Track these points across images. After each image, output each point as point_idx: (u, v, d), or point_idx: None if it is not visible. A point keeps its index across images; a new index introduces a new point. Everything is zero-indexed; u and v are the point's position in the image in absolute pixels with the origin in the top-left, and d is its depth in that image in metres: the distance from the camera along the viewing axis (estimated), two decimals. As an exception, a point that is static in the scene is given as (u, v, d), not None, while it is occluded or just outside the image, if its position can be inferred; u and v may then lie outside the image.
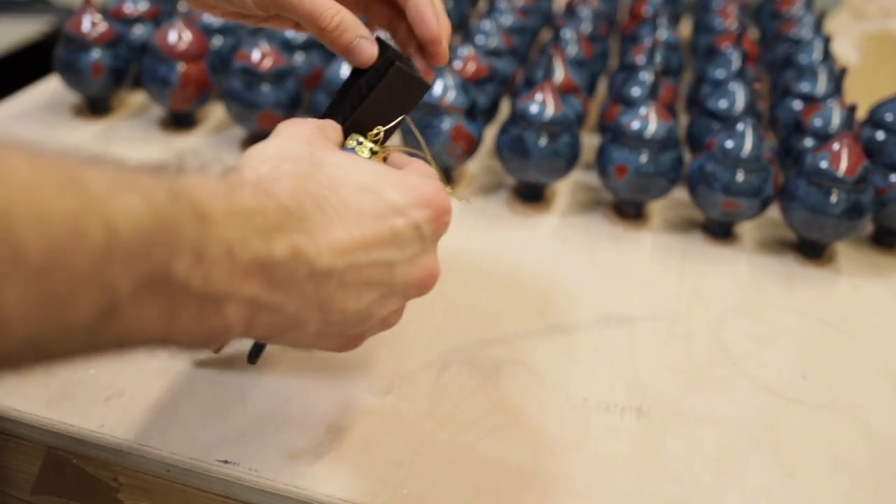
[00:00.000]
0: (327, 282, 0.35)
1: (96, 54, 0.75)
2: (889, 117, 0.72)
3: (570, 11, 0.94)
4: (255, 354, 0.48)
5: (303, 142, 0.38)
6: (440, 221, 0.39)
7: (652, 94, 0.70)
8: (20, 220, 0.23)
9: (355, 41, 0.44)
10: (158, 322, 0.29)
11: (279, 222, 0.33)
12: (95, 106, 0.80)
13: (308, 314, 0.35)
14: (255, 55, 0.72)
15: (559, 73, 0.74)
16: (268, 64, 0.72)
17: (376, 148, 0.43)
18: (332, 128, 0.42)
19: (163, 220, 0.28)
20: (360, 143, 0.43)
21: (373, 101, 0.44)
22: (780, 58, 0.91)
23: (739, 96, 0.74)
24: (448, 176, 0.73)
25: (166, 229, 0.28)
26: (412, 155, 0.44)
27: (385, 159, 0.43)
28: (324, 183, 0.36)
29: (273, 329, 0.35)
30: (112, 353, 0.29)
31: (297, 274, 0.34)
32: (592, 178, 0.76)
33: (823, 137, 0.70)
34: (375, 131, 0.43)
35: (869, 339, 0.59)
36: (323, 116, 0.45)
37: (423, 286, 0.39)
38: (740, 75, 0.76)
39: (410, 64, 0.46)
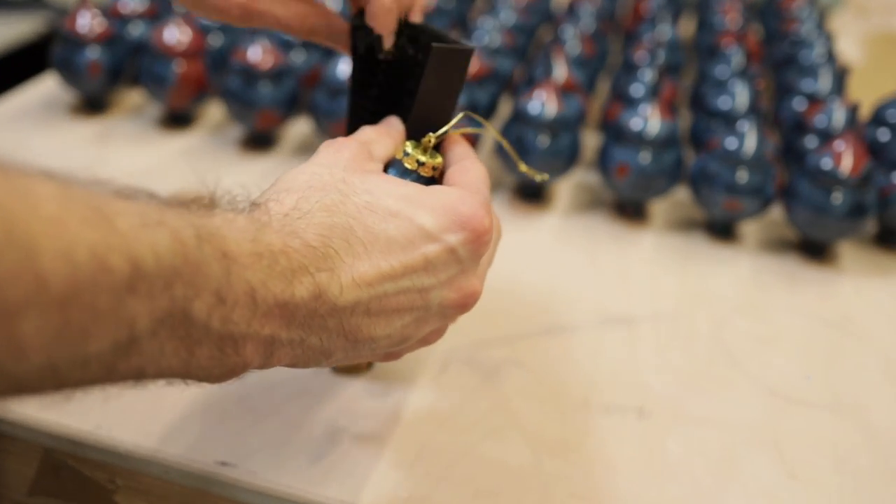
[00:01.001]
0: (351, 315, 0.35)
1: (93, 53, 0.75)
2: (893, 116, 0.71)
3: (571, 10, 0.94)
4: None
5: (339, 168, 0.37)
6: (479, 242, 0.37)
7: (653, 92, 0.69)
8: (45, 250, 0.23)
9: (328, 43, 0.45)
10: (176, 358, 0.29)
11: (303, 263, 0.33)
12: (92, 104, 0.80)
13: (332, 343, 0.35)
14: (254, 54, 0.71)
15: (560, 72, 0.74)
16: (266, 62, 0.71)
17: (423, 158, 0.41)
18: (384, 139, 0.41)
19: (189, 260, 0.28)
20: (407, 155, 0.41)
21: (422, 96, 0.41)
22: (782, 56, 0.90)
23: (742, 95, 0.73)
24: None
25: (192, 269, 0.28)
26: (473, 135, 0.42)
27: (436, 168, 0.41)
28: (351, 212, 0.35)
29: (296, 360, 0.35)
30: (130, 385, 0.29)
31: (318, 312, 0.33)
32: (594, 178, 0.75)
33: (826, 136, 0.70)
34: (427, 138, 0.41)
35: (872, 339, 0.58)
36: (353, 121, 0.44)
37: (461, 307, 0.38)
38: (743, 74, 0.76)
39: (435, 33, 0.42)
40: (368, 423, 0.47)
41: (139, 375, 0.29)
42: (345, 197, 0.36)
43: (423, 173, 0.41)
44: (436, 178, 0.41)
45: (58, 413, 0.45)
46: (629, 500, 0.44)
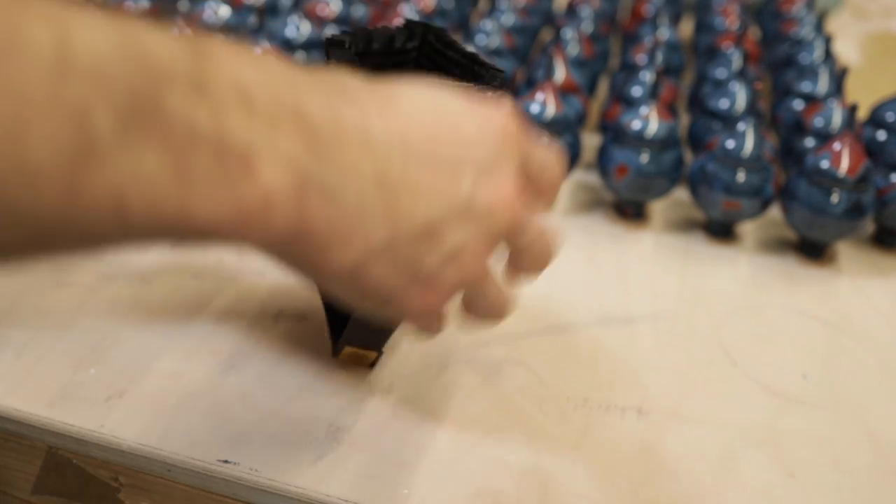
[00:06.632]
0: (388, 163, 0.28)
1: (97, 54, 0.75)
2: (890, 117, 0.71)
3: (571, 11, 0.94)
4: (338, 347, 0.48)
5: None
6: (510, 140, 0.32)
7: (653, 93, 0.70)
8: None
9: None
10: (163, 177, 0.23)
11: (311, 83, 0.27)
12: (96, 105, 0.80)
13: (372, 213, 0.28)
14: (256, 55, 0.72)
15: (560, 73, 0.74)
16: (268, 63, 0.71)
17: None
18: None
19: (139, 45, 0.22)
20: None
21: None
22: (781, 57, 0.91)
23: (740, 96, 0.74)
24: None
25: (144, 54, 0.22)
26: None
27: None
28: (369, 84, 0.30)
29: (333, 229, 0.27)
30: (116, 229, 0.23)
31: (345, 140, 0.27)
32: (593, 178, 0.76)
33: (824, 137, 0.70)
34: None
35: (870, 338, 0.59)
36: None
37: (498, 210, 0.32)
38: (741, 75, 0.76)
39: (462, 54, 0.39)
40: (370, 421, 0.47)
41: (120, 204, 0.22)
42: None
43: None
44: None
45: (62, 412, 0.45)
46: (628, 499, 0.44)
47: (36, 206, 0.21)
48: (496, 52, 0.82)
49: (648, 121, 0.66)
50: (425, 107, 0.31)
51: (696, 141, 0.76)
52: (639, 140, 0.66)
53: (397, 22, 0.84)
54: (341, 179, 0.27)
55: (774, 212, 0.71)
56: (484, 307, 0.36)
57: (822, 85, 0.79)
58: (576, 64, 0.81)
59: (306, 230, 0.27)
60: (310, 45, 0.81)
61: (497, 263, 0.37)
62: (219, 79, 0.24)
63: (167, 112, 0.23)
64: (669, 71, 0.84)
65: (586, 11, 0.92)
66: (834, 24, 1.19)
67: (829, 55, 0.86)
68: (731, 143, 0.65)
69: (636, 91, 0.75)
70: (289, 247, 0.28)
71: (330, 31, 0.85)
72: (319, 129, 0.26)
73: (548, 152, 0.35)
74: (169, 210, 0.23)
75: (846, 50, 1.11)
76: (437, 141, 0.30)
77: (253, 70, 0.25)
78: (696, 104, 0.79)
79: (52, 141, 0.21)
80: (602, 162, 0.68)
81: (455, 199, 0.31)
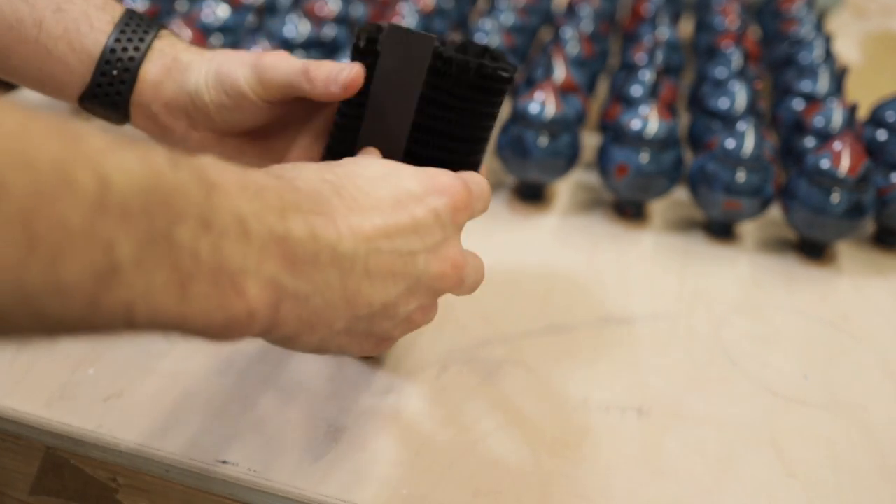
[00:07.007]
0: (352, 270, 0.34)
1: (96, 53, 0.75)
2: (890, 116, 0.71)
3: (571, 10, 0.94)
4: None
5: None
6: (458, 209, 0.38)
7: (653, 93, 0.69)
8: (3, 158, 0.23)
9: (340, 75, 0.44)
10: (169, 295, 0.27)
11: (295, 202, 0.32)
12: (95, 105, 0.80)
13: (335, 309, 0.34)
14: (255, 54, 0.71)
15: (559, 73, 0.74)
16: (267, 63, 0.71)
17: None
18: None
19: (162, 183, 0.27)
20: None
21: (378, 83, 0.42)
22: (781, 57, 0.91)
23: (740, 96, 0.74)
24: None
25: (166, 192, 0.27)
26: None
27: None
28: (339, 174, 0.36)
29: (301, 324, 0.33)
30: (124, 330, 0.27)
31: (319, 258, 0.33)
32: (593, 178, 0.76)
33: (825, 137, 0.70)
34: None
35: (870, 338, 0.58)
36: (336, 142, 0.45)
37: (446, 277, 0.38)
38: (741, 74, 0.76)
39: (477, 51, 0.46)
40: (369, 421, 0.47)
41: (129, 315, 0.26)
42: (329, 166, 0.37)
43: None
44: None
45: (60, 412, 0.45)
46: (628, 498, 0.44)
47: (60, 315, 0.25)
48: (496, 52, 0.82)
49: (648, 120, 0.66)
50: (386, 196, 0.36)
51: (696, 141, 0.75)
52: (639, 140, 0.66)
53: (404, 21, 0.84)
54: (312, 289, 0.33)
55: (774, 212, 0.71)
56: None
57: (822, 84, 0.79)
58: (575, 63, 0.81)
59: (279, 327, 0.33)
60: (309, 45, 0.81)
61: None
62: (222, 213, 0.29)
63: (177, 242, 0.27)
64: (669, 71, 0.84)
65: (586, 11, 0.92)
66: (834, 24, 1.19)
67: (829, 55, 0.86)
68: (731, 143, 0.65)
69: (636, 91, 0.75)
70: (263, 335, 0.33)
71: (329, 30, 0.85)
72: (298, 251, 0.32)
73: (482, 196, 0.41)
74: (169, 318, 0.28)
75: (846, 49, 1.11)
76: (396, 233, 0.36)
77: (249, 201, 0.30)
78: (696, 104, 0.79)
79: (83, 265, 0.24)
80: (602, 162, 0.68)
81: (408, 280, 0.37)
